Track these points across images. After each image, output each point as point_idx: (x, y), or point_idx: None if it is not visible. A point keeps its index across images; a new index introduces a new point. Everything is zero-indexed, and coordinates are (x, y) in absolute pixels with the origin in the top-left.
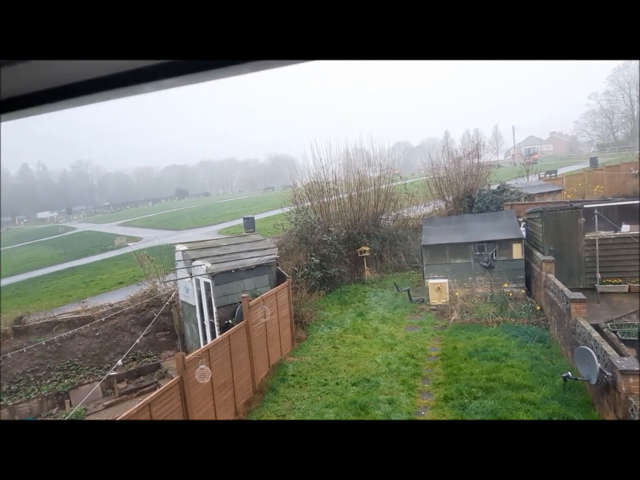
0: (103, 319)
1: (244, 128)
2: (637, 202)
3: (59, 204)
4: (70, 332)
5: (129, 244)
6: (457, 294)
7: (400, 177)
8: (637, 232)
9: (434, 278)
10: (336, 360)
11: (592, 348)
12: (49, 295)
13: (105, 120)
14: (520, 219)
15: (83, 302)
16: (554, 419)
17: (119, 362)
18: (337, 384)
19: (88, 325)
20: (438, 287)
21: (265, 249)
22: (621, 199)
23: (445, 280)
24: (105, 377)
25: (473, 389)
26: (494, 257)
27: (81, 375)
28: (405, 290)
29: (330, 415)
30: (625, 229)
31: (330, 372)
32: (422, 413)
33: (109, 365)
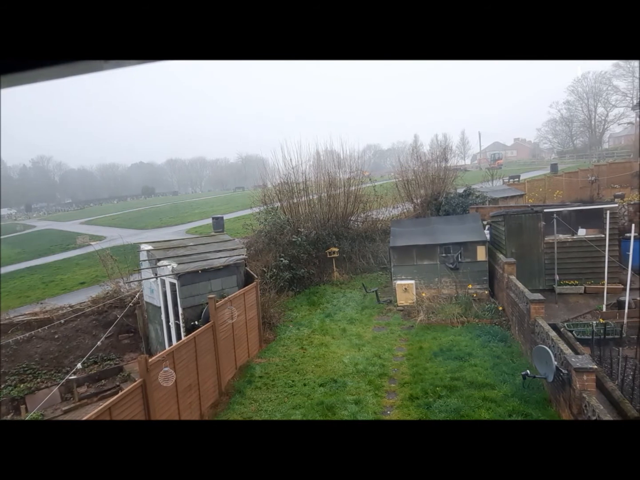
0: (62, 321)
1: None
2: (593, 207)
3: (17, 201)
4: (27, 334)
5: (92, 243)
6: (423, 294)
7: (370, 179)
8: (593, 236)
9: (402, 279)
10: (304, 361)
11: (549, 347)
12: (5, 296)
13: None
14: (485, 222)
15: (42, 303)
16: (514, 415)
17: (79, 366)
18: (305, 385)
19: (46, 327)
20: (405, 288)
21: (233, 249)
22: (578, 204)
23: (413, 282)
24: (64, 381)
25: (437, 388)
26: (459, 259)
27: (38, 380)
28: (373, 291)
29: (297, 416)
30: (582, 232)
31: (298, 373)
32: (388, 412)
33: (69, 368)
